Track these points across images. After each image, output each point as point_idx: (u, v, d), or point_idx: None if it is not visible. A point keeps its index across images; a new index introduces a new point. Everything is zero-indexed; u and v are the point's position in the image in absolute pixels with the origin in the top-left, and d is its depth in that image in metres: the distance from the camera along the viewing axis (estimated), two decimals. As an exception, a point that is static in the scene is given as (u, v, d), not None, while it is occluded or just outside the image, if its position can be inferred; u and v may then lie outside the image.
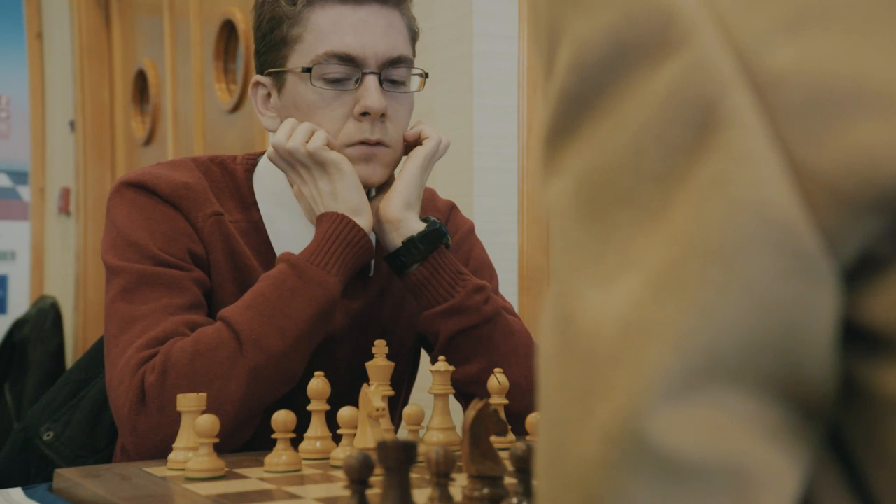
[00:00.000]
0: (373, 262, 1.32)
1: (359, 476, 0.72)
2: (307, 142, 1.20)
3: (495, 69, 1.93)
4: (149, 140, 3.70)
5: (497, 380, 1.12)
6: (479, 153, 1.92)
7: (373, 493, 0.73)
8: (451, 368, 1.11)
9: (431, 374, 1.11)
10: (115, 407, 1.12)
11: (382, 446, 0.69)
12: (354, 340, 1.31)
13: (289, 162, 1.22)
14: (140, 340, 1.12)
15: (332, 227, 1.19)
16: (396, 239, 1.23)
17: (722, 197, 0.41)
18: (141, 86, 3.79)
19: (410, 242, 1.22)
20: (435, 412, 1.10)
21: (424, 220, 1.26)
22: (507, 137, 1.94)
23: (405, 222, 1.23)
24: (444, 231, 1.25)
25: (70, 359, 3.96)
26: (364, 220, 1.21)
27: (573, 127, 0.47)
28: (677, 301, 0.41)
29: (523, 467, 0.79)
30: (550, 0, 0.49)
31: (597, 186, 0.46)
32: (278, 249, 1.27)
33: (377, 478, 0.73)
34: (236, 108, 2.96)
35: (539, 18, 0.50)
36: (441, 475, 0.75)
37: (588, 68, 0.46)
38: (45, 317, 3.64)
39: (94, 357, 1.48)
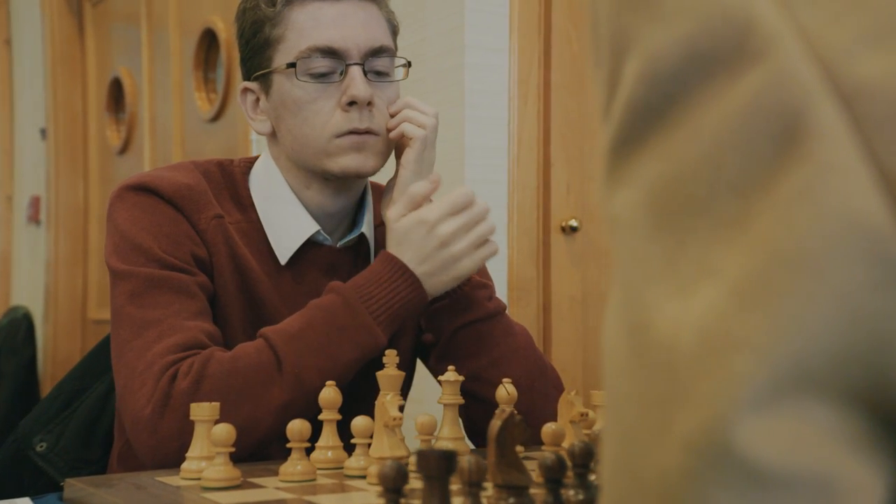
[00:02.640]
0: (372, 257, 1.34)
1: (394, 485, 0.72)
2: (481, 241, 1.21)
3: (486, 81, 1.94)
4: (124, 149, 3.67)
5: (506, 390, 1.12)
6: (470, 164, 1.93)
7: (406, 502, 0.73)
8: (461, 378, 1.11)
9: (441, 384, 1.11)
10: (131, 410, 1.10)
11: (423, 455, 0.69)
12: None
13: (457, 221, 1.20)
14: (161, 345, 1.11)
15: (406, 287, 1.17)
16: None
17: (809, 206, 0.41)
18: (116, 94, 3.76)
19: None
20: (444, 422, 1.09)
21: None
22: (498, 149, 1.95)
23: None
24: None
25: (41, 371, 3.90)
26: (430, 295, 1.21)
27: (641, 137, 0.47)
28: (763, 310, 0.41)
29: (553, 477, 0.79)
30: (617, 11, 0.49)
31: (669, 197, 0.46)
32: (276, 247, 1.27)
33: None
34: (217, 117, 2.94)
35: (600, 30, 0.50)
36: (473, 484, 0.75)
37: (660, 79, 0.46)
38: (18, 328, 3.59)
39: (88, 367, 1.47)
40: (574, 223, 2.01)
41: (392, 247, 1.21)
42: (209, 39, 3.04)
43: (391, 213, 1.22)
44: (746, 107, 0.44)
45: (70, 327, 3.95)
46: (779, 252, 0.41)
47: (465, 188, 1.22)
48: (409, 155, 1.26)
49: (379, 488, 0.79)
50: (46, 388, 3.87)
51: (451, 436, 1.09)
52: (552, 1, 2.02)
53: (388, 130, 1.26)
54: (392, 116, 1.26)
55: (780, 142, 0.43)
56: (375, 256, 1.34)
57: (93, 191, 3.96)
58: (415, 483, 0.75)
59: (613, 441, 0.46)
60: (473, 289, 1.25)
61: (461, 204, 1.20)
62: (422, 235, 1.19)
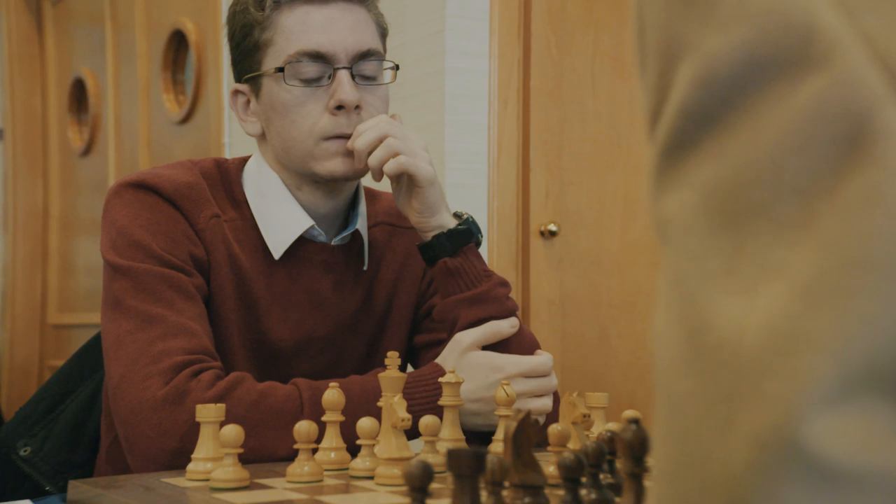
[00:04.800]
0: (366, 255, 1.34)
1: (420, 484, 0.72)
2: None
3: (467, 86, 1.95)
4: (87, 151, 3.62)
5: (505, 391, 1.13)
6: (451, 169, 1.94)
7: (432, 501, 0.73)
8: (461, 380, 1.12)
9: (441, 385, 1.12)
10: (131, 399, 1.09)
11: (455, 454, 0.69)
12: (343, 344, 1.32)
13: (528, 384, 1.20)
14: (167, 343, 1.10)
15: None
16: (427, 235, 1.26)
17: (878, 208, 0.42)
18: (78, 95, 3.71)
19: (438, 239, 1.25)
20: (445, 424, 1.10)
21: (457, 215, 1.28)
22: (478, 154, 1.96)
23: (432, 230, 1.25)
24: (474, 231, 1.26)
25: (-1, 375, 3.83)
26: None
27: (695, 141, 0.48)
28: (832, 309, 0.42)
29: (571, 476, 0.80)
30: (671, 15, 0.49)
31: (728, 199, 0.46)
32: (270, 242, 1.27)
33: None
34: (186, 119, 2.92)
35: (647, 36, 0.50)
36: (496, 483, 0.76)
37: (716, 83, 0.46)
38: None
39: (72, 371, 1.45)
40: (553, 227, 2.03)
41: (451, 365, 1.20)
42: (178, 40, 3.01)
43: (465, 337, 1.21)
44: (810, 110, 0.44)
45: (28, 332, 3.88)
46: (846, 252, 0.42)
47: (549, 357, 1.23)
48: (420, 180, 1.23)
49: (405, 487, 0.79)
50: (4, 393, 3.80)
51: (451, 437, 1.09)
52: (532, 7, 2.04)
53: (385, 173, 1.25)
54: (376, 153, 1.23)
55: (846, 144, 0.43)
56: (370, 256, 1.34)
57: (53, 193, 3.90)
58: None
59: (671, 439, 0.46)
60: (495, 286, 1.25)
61: (539, 372, 1.21)
62: (491, 381, 1.19)
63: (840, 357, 0.41)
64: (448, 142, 1.93)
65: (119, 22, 3.36)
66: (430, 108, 1.95)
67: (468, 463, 0.69)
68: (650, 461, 0.60)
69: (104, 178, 3.45)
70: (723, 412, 0.43)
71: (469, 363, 1.20)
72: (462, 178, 1.95)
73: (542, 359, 1.23)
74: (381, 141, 1.21)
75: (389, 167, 1.21)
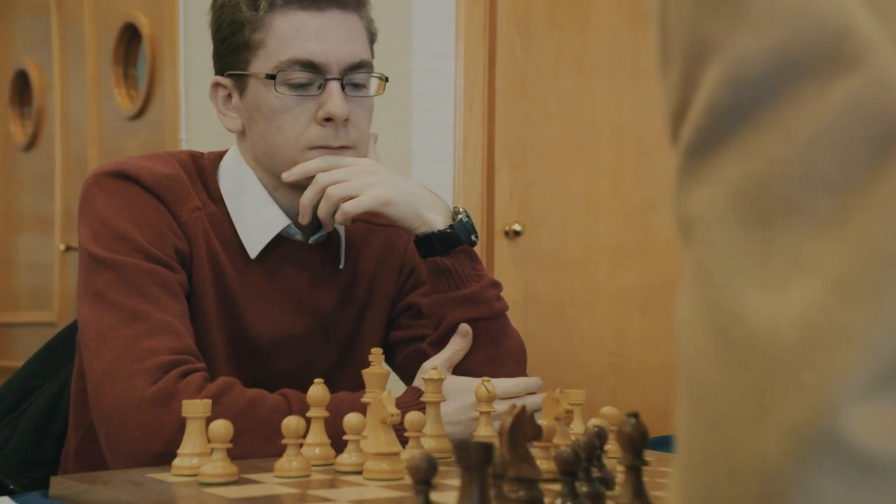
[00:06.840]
0: (343, 253, 1.33)
1: (424, 476, 0.72)
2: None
3: (433, 86, 1.96)
4: (31, 145, 3.54)
5: (486, 388, 1.13)
6: (417, 168, 1.94)
7: (436, 494, 0.73)
8: (444, 377, 1.12)
9: (424, 382, 1.12)
10: (118, 398, 1.06)
11: (464, 446, 0.69)
12: (321, 341, 1.31)
13: (504, 406, 1.17)
14: (153, 341, 1.08)
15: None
16: (419, 231, 1.25)
17: None
18: (21, 88, 3.63)
19: (427, 238, 1.24)
20: (427, 419, 1.10)
21: (456, 212, 1.28)
22: (444, 153, 1.97)
23: (421, 232, 1.25)
24: (462, 235, 1.25)
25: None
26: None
27: (723, 139, 0.48)
28: (867, 303, 0.43)
29: (568, 470, 0.81)
30: (698, 16, 0.50)
31: (758, 195, 0.47)
32: (246, 241, 1.26)
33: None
34: (139, 114, 2.87)
35: (671, 36, 0.51)
36: (497, 476, 0.77)
37: (747, 83, 0.47)
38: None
39: (36, 368, 1.42)
40: (517, 227, 2.04)
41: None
42: (130, 34, 2.97)
43: (436, 363, 1.20)
44: (843, 110, 0.45)
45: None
46: (880, 247, 0.43)
47: (524, 381, 1.21)
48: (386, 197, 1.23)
49: (397, 481, 0.79)
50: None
51: (433, 433, 1.09)
52: (497, 8, 2.05)
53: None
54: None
55: (880, 143, 0.44)
56: (346, 254, 1.34)
57: (-7, 187, 3.81)
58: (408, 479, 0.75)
59: (699, 430, 0.47)
60: (485, 287, 1.25)
61: (513, 394, 1.20)
62: (468, 403, 1.17)
63: (875, 349, 0.42)
64: (414, 141, 1.94)
65: (65, 13, 3.30)
66: (397, 107, 1.96)
67: (477, 455, 0.70)
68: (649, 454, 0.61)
69: (49, 173, 3.38)
70: (756, 403, 0.44)
71: (453, 389, 1.18)
72: (428, 178, 1.95)
73: (516, 381, 1.21)
74: (322, 192, 1.21)
75: (338, 219, 1.22)
